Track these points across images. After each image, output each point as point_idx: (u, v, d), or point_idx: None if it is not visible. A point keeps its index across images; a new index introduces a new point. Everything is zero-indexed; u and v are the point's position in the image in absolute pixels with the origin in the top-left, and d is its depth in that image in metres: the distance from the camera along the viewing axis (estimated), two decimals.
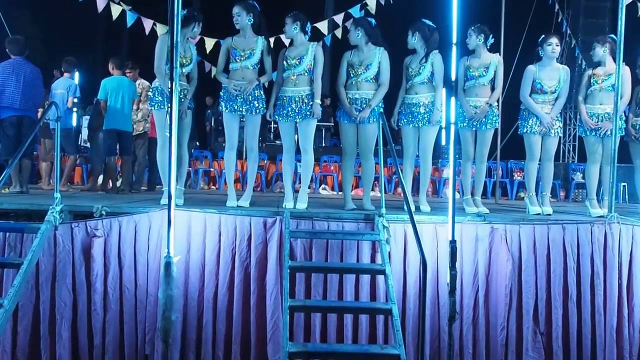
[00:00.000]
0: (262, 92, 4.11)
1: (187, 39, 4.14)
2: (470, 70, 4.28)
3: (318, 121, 4.24)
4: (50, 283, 3.47)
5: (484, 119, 4.27)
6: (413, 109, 4.21)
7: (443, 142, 5.70)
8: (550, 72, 4.31)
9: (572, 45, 9.84)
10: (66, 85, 5.69)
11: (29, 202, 3.94)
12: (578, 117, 4.86)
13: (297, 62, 4.01)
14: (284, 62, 4.04)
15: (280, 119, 4.07)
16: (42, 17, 10.99)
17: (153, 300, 3.47)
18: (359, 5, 5.93)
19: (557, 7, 9.01)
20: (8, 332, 3.39)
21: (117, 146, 5.73)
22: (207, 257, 3.55)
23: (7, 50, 5.17)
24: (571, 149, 11.72)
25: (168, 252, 2.83)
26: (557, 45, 4.35)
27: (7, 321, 3.00)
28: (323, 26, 6.05)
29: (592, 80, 4.40)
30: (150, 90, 4.18)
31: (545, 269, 3.68)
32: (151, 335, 3.48)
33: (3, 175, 3.47)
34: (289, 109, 4.02)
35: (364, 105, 4.06)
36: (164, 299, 2.82)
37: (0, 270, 3.48)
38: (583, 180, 7.86)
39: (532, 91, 4.33)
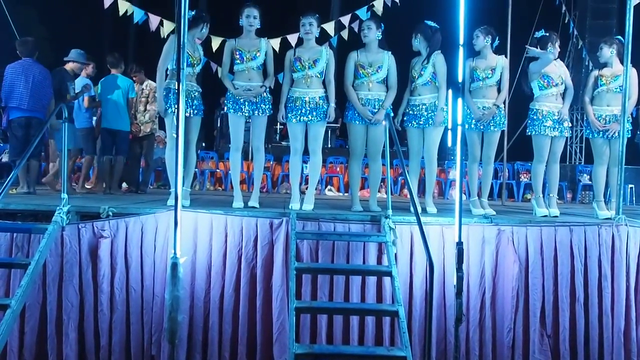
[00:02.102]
0: (268, 93, 4.11)
1: (195, 40, 4.15)
2: (477, 72, 4.27)
3: None
4: (57, 283, 3.48)
5: (491, 121, 4.26)
6: (417, 111, 4.21)
7: (449, 144, 5.68)
8: (552, 67, 4.30)
9: (579, 47, 9.79)
10: (81, 85, 5.70)
11: (36, 202, 3.95)
12: (585, 118, 4.83)
13: (313, 64, 4.01)
14: (297, 63, 4.04)
15: (292, 120, 4.06)
16: (49, 18, 11.05)
17: (159, 301, 3.48)
18: (365, 7, 5.93)
19: (564, 8, 8.98)
20: (15, 332, 3.40)
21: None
22: (213, 258, 3.56)
23: (17, 51, 5.20)
24: (578, 151, 11.66)
25: (174, 253, 2.83)
26: None
27: (14, 321, 3.02)
28: (329, 27, 6.05)
29: (599, 82, 4.39)
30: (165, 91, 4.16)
31: (552, 271, 3.66)
32: (157, 336, 3.48)
33: (11, 175, 3.49)
34: (301, 110, 4.02)
35: (377, 106, 4.06)
36: (170, 299, 2.81)
37: (7, 271, 3.49)
38: (590, 182, 7.83)
39: (544, 86, 4.30)
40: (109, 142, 5.56)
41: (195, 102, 4.08)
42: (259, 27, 4.09)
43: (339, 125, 9.46)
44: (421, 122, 4.20)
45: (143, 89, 5.99)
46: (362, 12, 5.93)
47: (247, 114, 4.08)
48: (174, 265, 2.82)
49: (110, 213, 3.61)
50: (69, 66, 5.48)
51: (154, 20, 5.73)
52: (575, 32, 9.69)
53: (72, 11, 10.79)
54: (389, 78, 4.12)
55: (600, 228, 3.71)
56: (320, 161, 4.19)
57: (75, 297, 3.47)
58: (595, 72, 4.46)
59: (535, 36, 4.42)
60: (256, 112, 4.05)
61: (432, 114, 4.16)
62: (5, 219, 3.67)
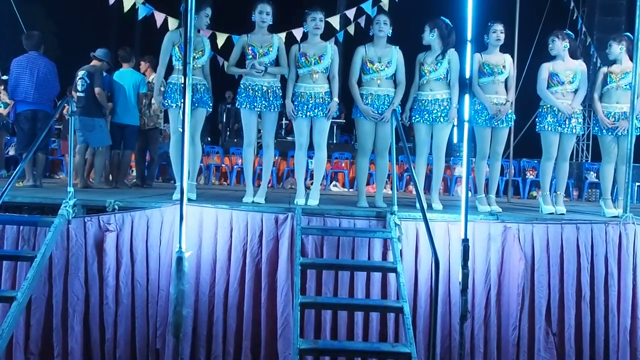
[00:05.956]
0: (279, 89, 4.10)
1: (198, 31, 4.13)
2: (489, 66, 4.24)
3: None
4: (63, 276, 3.50)
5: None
6: (428, 106, 4.18)
7: (455, 140, 5.64)
8: (565, 65, 4.27)
9: (587, 43, 9.71)
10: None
11: (42, 195, 3.97)
12: (593, 115, 4.80)
13: (318, 60, 3.99)
14: (303, 58, 4.02)
15: (297, 115, 4.05)
16: (56, 12, 11.09)
17: (164, 295, 3.48)
18: (371, 1, 5.90)
19: (572, 4, 8.90)
20: (21, 325, 3.42)
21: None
22: (218, 252, 3.56)
23: (23, 45, 5.22)
24: (585, 148, 11.58)
25: (180, 247, 2.84)
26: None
27: (20, 314, 3.03)
28: (335, 21, 6.02)
29: (608, 78, 4.35)
30: (166, 85, 4.16)
31: (558, 269, 3.64)
32: (162, 330, 3.49)
33: (18, 168, 3.50)
34: (307, 105, 4.01)
35: (387, 102, 4.04)
36: (175, 293, 2.82)
37: (14, 263, 3.51)
38: (596, 180, 7.78)
39: (550, 85, 4.27)
40: (117, 137, 5.56)
41: (197, 95, 4.03)
42: (271, 23, 4.08)
43: (344, 120, 9.45)
44: (432, 118, 4.16)
45: (149, 82, 5.99)
46: (368, 7, 5.89)
47: (259, 110, 4.08)
48: (179, 260, 2.82)
49: (116, 207, 3.62)
50: (96, 63, 5.39)
51: (159, 16, 5.74)
52: (584, 29, 9.61)
53: (79, 6, 10.82)
54: (398, 74, 4.10)
55: (607, 226, 3.69)
56: (325, 156, 4.18)
57: (80, 290, 3.48)
58: (605, 69, 4.42)
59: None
60: (268, 108, 4.05)
61: (446, 110, 4.13)
62: (12, 212, 3.68)
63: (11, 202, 3.66)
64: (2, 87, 6.82)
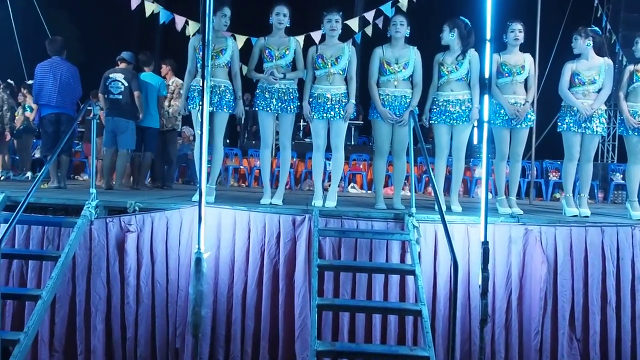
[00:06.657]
0: (296, 91, 4.11)
1: (220, 32, 4.16)
2: (507, 67, 4.17)
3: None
4: (86, 276, 3.57)
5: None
6: (448, 107, 4.12)
7: (475, 141, 5.57)
8: (589, 64, 4.17)
9: (612, 41, 9.48)
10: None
11: (66, 197, 4.05)
12: (619, 115, 4.67)
13: (335, 61, 3.99)
14: (320, 60, 4.02)
15: (314, 117, 4.05)
16: (80, 18, 11.34)
17: (184, 295, 3.52)
18: (390, 2, 5.88)
19: (596, 1, 8.71)
20: (46, 323, 3.50)
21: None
22: (236, 253, 3.58)
23: (47, 50, 5.35)
24: (610, 149, 11.29)
25: (198, 248, 2.86)
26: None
27: (45, 312, 3.11)
28: (354, 23, 6.02)
29: (634, 77, 4.24)
30: (191, 88, 4.21)
31: (582, 272, 3.55)
32: (182, 330, 3.53)
33: (42, 170, 3.59)
34: (324, 107, 4.00)
35: (404, 102, 4.01)
36: (194, 294, 2.84)
37: (39, 263, 3.59)
38: (622, 181, 7.58)
39: (572, 85, 4.19)
40: (138, 139, 5.65)
41: (217, 97, 4.05)
42: (288, 25, 4.09)
43: (362, 122, 9.42)
44: (452, 119, 4.11)
45: (169, 85, 6.07)
46: (387, 8, 5.87)
47: (276, 112, 4.09)
48: (198, 260, 2.84)
49: (137, 208, 3.68)
50: (124, 65, 5.48)
51: (179, 20, 5.83)
52: (609, 26, 9.38)
53: (101, 12, 11.04)
54: (415, 75, 4.07)
55: (634, 229, 3.59)
56: (342, 158, 4.17)
57: (102, 289, 3.55)
58: (631, 67, 4.31)
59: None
60: (284, 110, 4.06)
61: (467, 111, 4.08)
62: (38, 213, 3.77)
63: (36, 203, 3.75)
64: (27, 92, 7.00)
